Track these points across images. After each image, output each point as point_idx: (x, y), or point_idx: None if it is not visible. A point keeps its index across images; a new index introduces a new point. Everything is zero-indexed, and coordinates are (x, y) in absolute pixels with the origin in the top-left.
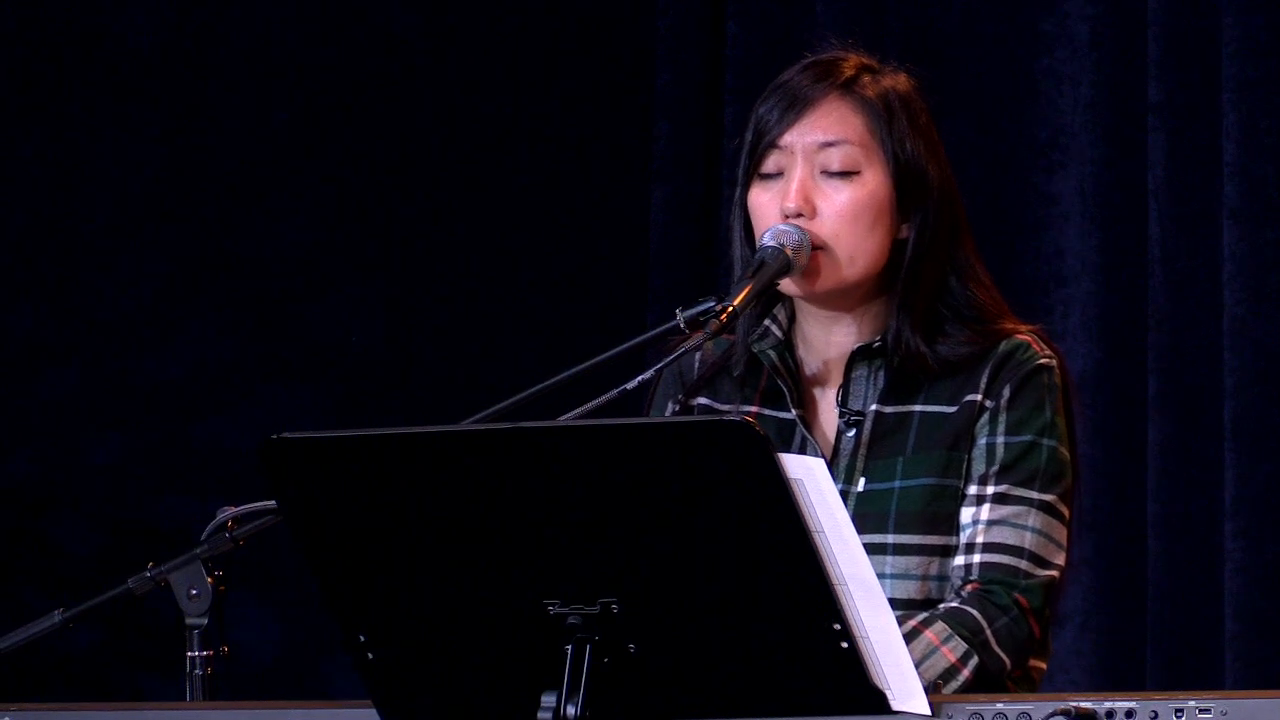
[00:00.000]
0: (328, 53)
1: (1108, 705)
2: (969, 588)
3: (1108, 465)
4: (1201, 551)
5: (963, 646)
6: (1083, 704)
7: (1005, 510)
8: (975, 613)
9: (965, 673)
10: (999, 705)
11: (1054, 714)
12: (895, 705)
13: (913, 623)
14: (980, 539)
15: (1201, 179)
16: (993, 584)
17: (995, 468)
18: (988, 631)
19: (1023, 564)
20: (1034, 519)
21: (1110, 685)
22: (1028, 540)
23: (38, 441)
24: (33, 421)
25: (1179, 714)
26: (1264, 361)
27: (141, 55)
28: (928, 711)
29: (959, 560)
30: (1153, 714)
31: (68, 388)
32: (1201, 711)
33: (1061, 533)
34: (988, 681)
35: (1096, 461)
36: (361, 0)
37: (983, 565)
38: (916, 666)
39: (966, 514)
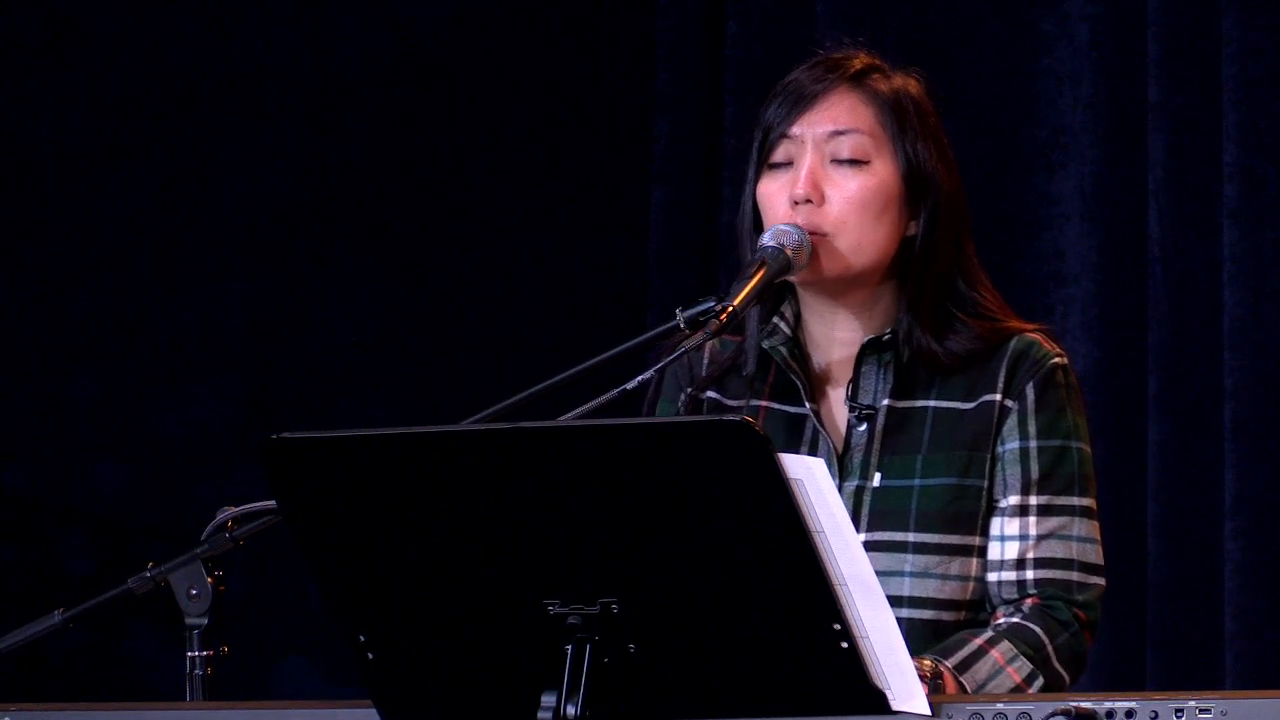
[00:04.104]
0: (326, 52)
1: (1108, 705)
2: (1029, 602)
3: (1108, 465)
4: (1201, 551)
5: (1028, 667)
6: (1083, 704)
7: (1052, 523)
8: (1037, 629)
9: (1030, 693)
10: (999, 705)
11: (1054, 714)
12: (895, 705)
13: (978, 641)
14: (1031, 554)
15: (1201, 179)
16: (1053, 599)
17: (1035, 477)
18: (1049, 648)
19: (1074, 575)
20: (1078, 527)
21: (1110, 685)
22: (1075, 550)
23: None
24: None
25: (1179, 714)
26: (1264, 361)
27: (137, 50)
28: (928, 711)
29: (1009, 575)
30: (1153, 714)
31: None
32: (1201, 711)
33: (1099, 533)
34: None
35: (1097, 461)
36: (360, 0)
37: (1037, 581)
38: (982, 687)
39: (1012, 526)
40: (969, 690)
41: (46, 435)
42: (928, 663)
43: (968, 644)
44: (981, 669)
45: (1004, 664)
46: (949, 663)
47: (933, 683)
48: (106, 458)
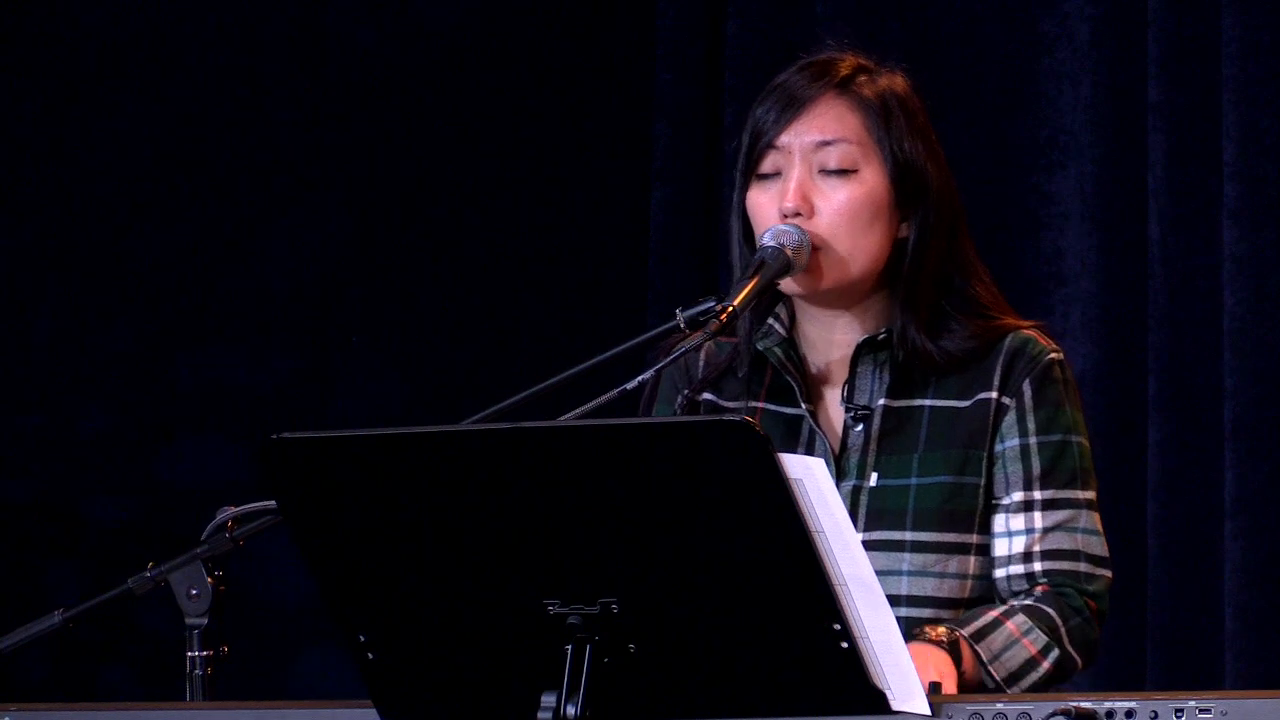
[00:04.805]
0: (327, 54)
1: (1108, 705)
2: (1040, 589)
3: (1108, 465)
4: (1201, 551)
5: (1043, 639)
6: (1083, 704)
7: (1058, 516)
8: (1051, 610)
9: (1046, 665)
10: (999, 705)
11: (1054, 714)
12: (895, 705)
13: (994, 613)
14: (1038, 547)
15: (1201, 179)
16: (1064, 587)
17: (1037, 472)
18: (1063, 629)
19: (1082, 567)
20: (1084, 520)
21: (1110, 685)
22: (1081, 542)
23: None
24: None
25: (1179, 714)
26: (1264, 361)
27: (130, 53)
28: (928, 711)
29: (1017, 569)
30: (1153, 714)
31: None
32: (1201, 711)
33: (1101, 525)
34: (1060, 680)
35: (1096, 462)
36: (361, 1)
37: (1045, 573)
38: (998, 657)
39: (1017, 521)
40: (985, 659)
41: (49, 463)
42: (943, 630)
43: (984, 615)
44: (997, 639)
45: (1019, 635)
46: (964, 631)
47: (950, 649)
48: (104, 493)
